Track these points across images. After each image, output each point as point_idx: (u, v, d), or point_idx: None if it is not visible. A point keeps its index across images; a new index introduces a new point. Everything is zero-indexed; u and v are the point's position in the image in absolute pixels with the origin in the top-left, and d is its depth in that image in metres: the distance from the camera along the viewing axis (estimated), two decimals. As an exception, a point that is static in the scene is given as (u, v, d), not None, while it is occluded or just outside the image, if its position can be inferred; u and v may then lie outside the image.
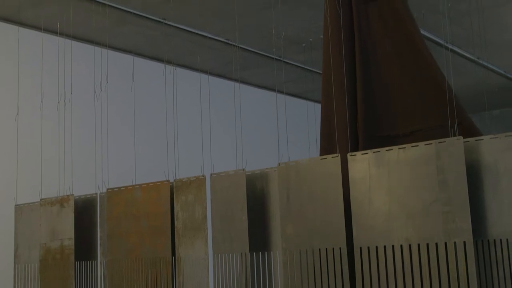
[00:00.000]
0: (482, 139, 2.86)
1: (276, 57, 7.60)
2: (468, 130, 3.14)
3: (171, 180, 3.98)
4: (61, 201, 4.56)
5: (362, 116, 3.51)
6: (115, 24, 6.47)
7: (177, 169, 4.13)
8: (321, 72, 3.78)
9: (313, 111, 8.62)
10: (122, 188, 4.23)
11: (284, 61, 7.91)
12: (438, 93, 3.36)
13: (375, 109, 3.53)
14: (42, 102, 5.33)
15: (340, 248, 3.11)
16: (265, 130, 8.06)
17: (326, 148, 3.59)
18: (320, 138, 3.70)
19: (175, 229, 3.88)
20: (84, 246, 4.50)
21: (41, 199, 4.72)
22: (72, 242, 4.44)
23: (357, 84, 3.55)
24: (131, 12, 6.27)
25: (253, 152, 4.82)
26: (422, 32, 7.07)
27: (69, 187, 4.75)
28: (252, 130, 8.46)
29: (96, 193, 4.48)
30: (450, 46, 7.59)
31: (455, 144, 2.82)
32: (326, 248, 3.16)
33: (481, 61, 8.33)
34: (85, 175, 5.04)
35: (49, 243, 4.58)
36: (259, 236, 3.57)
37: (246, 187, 3.57)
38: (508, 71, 9.15)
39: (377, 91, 3.55)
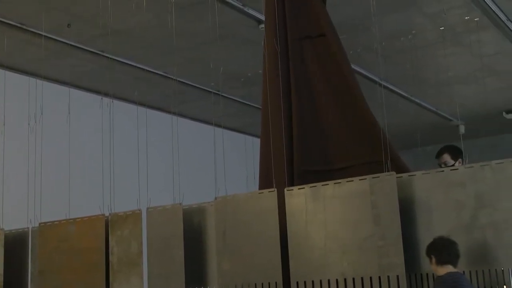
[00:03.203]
0: (415, 175, 2.93)
1: (214, 91, 7.62)
2: (398, 166, 3.21)
3: (107, 214, 3.91)
4: (-10, 236, 4.40)
5: (298, 151, 3.54)
6: (52, 55, 6.37)
7: (112, 203, 4.06)
8: (259, 107, 3.82)
9: (251, 145, 8.65)
10: (55, 223, 4.13)
11: (222, 95, 7.94)
12: (369, 131, 3.44)
13: (310, 145, 3.57)
14: (-27, 133, 5.18)
15: (276, 283, 3.10)
16: (203, 164, 8.03)
17: (265, 182, 3.60)
18: (259, 173, 3.72)
19: (110, 265, 3.80)
20: (14, 283, 4.35)
21: (-31, 234, 4.54)
22: (1, 279, 4.28)
23: (293, 120, 3.59)
24: (68, 44, 6.19)
25: (190, 186, 4.79)
26: (358, 69, 7.25)
27: (-1, 222, 4.59)
28: (190, 163, 8.40)
29: (28, 228, 4.35)
30: (385, 84, 7.79)
31: (388, 180, 2.88)
32: (262, 283, 3.15)
33: (414, 99, 8.57)
34: (16, 209, 4.89)
35: (-23, 280, 4.41)
36: (195, 271, 3.53)
37: (183, 222, 3.54)
38: (440, 108, 9.44)
39: (312, 127, 3.60)
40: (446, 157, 5.41)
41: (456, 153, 5.35)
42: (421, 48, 6.83)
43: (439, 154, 5.51)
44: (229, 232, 3.31)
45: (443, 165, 5.42)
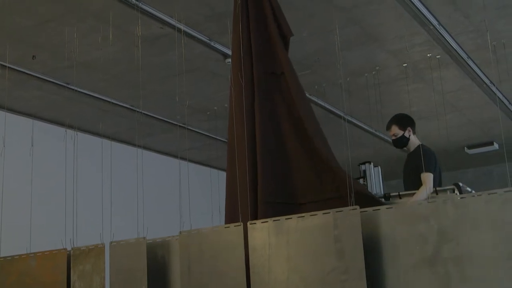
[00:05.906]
0: (379, 209, 2.94)
1: (180, 124, 7.63)
2: (364, 200, 3.23)
3: (69, 248, 3.84)
4: None
5: (262, 183, 3.55)
6: (16, 86, 6.32)
7: (75, 237, 4.00)
8: (225, 140, 3.83)
9: (217, 178, 8.64)
10: (15, 257, 4.04)
11: (188, 128, 7.94)
12: (327, 168, 3.49)
13: (274, 178, 3.58)
14: None
15: (241, 318, 3.07)
16: (168, 197, 7.98)
17: (231, 216, 3.59)
18: (225, 206, 3.71)
19: (71, 300, 3.72)
20: (-29, 319, 4.23)
21: None
22: (-42, 315, 4.17)
23: (257, 153, 3.60)
24: (33, 75, 6.15)
25: (155, 220, 4.74)
26: (323, 104, 7.32)
27: (-43, 256, 4.48)
28: (155, 197, 8.35)
29: (-13, 262, 4.24)
30: (349, 118, 7.89)
31: (352, 214, 2.89)
32: (227, 318, 3.11)
33: (378, 133, 8.69)
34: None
35: None
36: (159, 306, 3.48)
37: (147, 256, 3.49)
38: (404, 143, 9.55)
39: (276, 160, 3.63)
40: (394, 129, 5.37)
41: (404, 122, 5.31)
42: (385, 84, 6.95)
43: (387, 128, 5.48)
44: (194, 267, 3.27)
45: (393, 137, 5.39)
